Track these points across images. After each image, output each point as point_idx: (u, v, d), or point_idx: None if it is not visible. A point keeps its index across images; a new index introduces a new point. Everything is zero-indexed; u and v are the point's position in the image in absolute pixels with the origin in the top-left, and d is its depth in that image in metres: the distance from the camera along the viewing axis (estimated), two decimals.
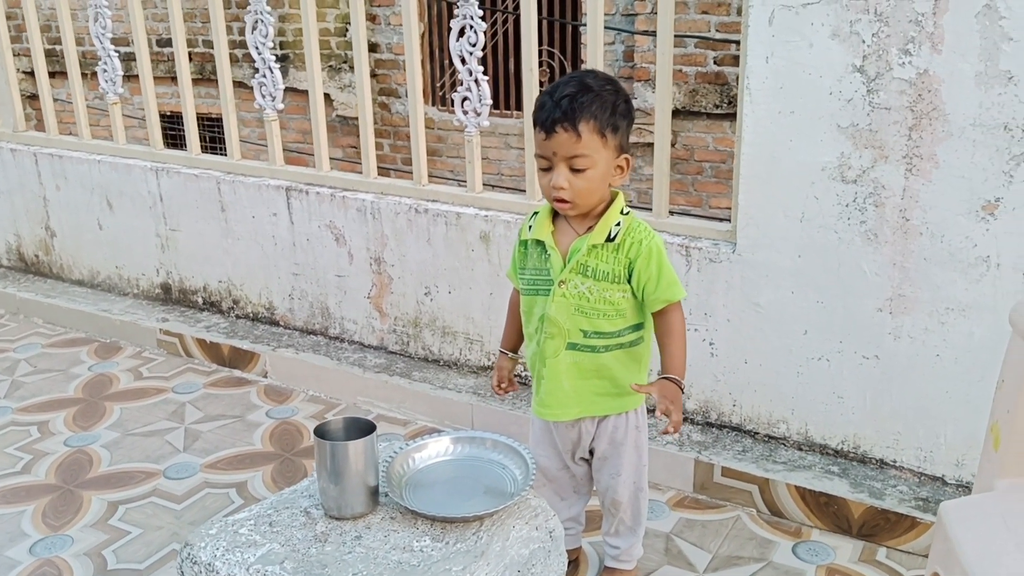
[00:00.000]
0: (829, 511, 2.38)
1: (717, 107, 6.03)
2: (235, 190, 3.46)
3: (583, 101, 1.70)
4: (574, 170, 1.73)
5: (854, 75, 2.24)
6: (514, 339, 2.07)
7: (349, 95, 7.01)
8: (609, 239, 1.80)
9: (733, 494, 2.51)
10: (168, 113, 6.41)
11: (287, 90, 3.44)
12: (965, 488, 2.38)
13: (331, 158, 3.46)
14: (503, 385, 2.05)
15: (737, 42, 5.66)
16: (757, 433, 2.63)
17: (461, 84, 2.90)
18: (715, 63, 6.00)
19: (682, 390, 1.81)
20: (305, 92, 6.24)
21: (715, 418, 2.69)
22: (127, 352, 3.63)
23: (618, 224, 1.81)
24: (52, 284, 4.15)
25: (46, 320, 3.94)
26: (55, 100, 4.22)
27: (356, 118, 6.84)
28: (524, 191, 2.97)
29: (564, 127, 1.70)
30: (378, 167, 3.28)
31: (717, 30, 5.94)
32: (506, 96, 6.79)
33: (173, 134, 6.63)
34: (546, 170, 1.77)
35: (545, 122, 1.72)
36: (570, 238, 1.84)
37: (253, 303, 3.59)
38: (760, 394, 2.59)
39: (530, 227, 1.90)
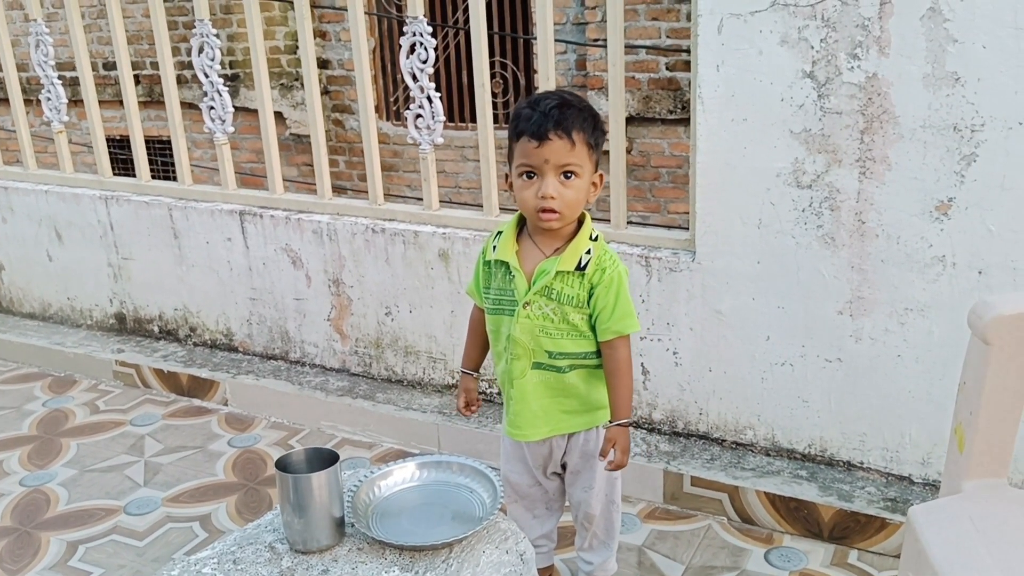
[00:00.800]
0: (799, 516, 2.38)
1: (671, 112, 6.06)
2: (187, 216, 3.40)
3: (570, 113, 1.71)
4: (564, 178, 1.73)
5: (804, 81, 2.25)
6: (476, 358, 2.05)
7: (302, 113, 6.94)
8: (579, 267, 1.79)
9: (703, 503, 2.50)
10: (119, 137, 6.31)
11: (240, 109, 3.40)
12: (932, 486, 2.39)
13: (286, 178, 3.41)
14: (472, 407, 2.03)
15: (688, 48, 5.70)
16: (724, 440, 2.63)
17: (413, 101, 2.88)
18: (667, 69, 6.03)
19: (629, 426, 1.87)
20: (257, 111, 6.16)
21: (682, 427, 2.68)
22: (82, 385, 3.55)
23: (588, 252, 1.80)
24: (2, 319, 4.04)
25: None
26: None
27: (310, 136, 6.80)
28: (482, 206, 2.95)
29: (559, 134, 1.70)
30: (334, 184, 3.25)
31: (667, 36, 5.97)
32: (460, 108, 6.77)
33: (124, 158, 6.53)
34: (530, 176, 1.75)
35: (537, 130, 1.70)
36: (536, 259, 1.83)
37: (211, 330, 3.52)
38: (726, 401, 2.59)
39: (494, 247, 1.87)
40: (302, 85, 6.86)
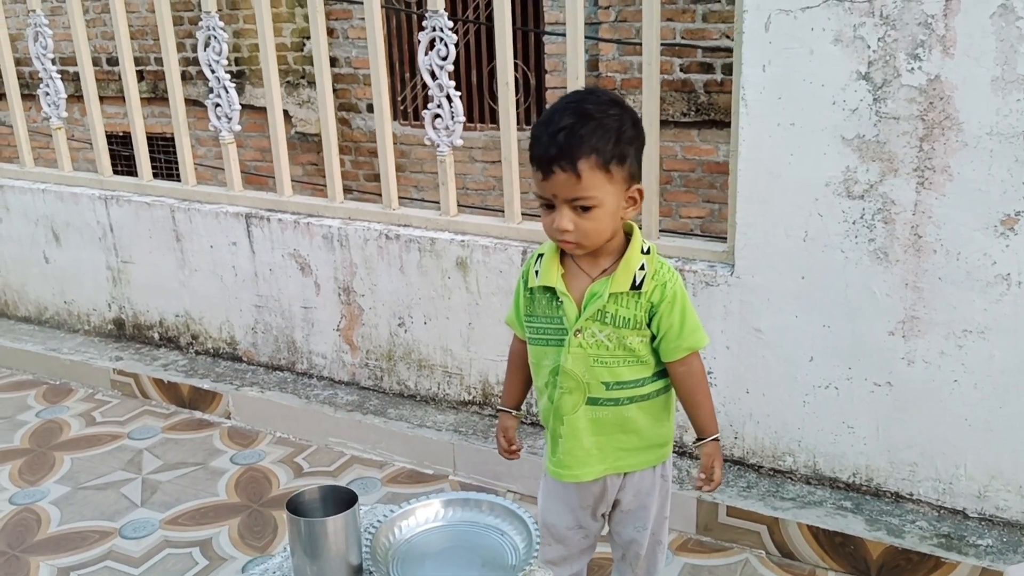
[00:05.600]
0: (845, 551, 2.22)
1: (684, 115, 5.89)
2: (191, 218, 3.23)
3: (582, 134, 1.48)
4: (581, 211, 1.53)
5: (859, 83, 2.08)
6: (518, 395, 1.85)
7: (308, 111, 6.78)
8: (634, 286, 1.61)
9: (740, 535, 2.34)
10: (121, 134, 6.14)
11: (245, 107, 3.23)
12: (989, 522, 2.22)
13: (291, 177, 3.24)
14: (514, 448, 1.84)
15: (704, 48, 5.54)
16: (761, 467, 2.46)
17: (431, 101, 2.71)
18: (681, 70, 5.86)
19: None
20: (263, 109, 6.01)
21: None
22: (78, 395, 3.38)
23: (642, 268, 1.62)
24: None
25: None
26: None
27: (316, 135, 6.62)
28: (501, 211, 2.78)
29: (561, 167, 1.48)
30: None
31: (682, 37, 5.81)
32: (470, 108, 6.60)
33: (128, 155, 6.36)
34: (548, 207, 1.55)
35: (541, 161, 1.50)
36: (584, 282, 1.63)
37: (213, 338, 3.36)
38: (763, 425, 2.42)
39: (536, 272, 1.66)
40: (308, 83, 6.71)
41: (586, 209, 1.52)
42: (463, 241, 2.73)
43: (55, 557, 2.41)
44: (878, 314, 2.21)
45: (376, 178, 6.80)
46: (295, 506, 1.44)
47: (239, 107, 3.10)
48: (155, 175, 3.49)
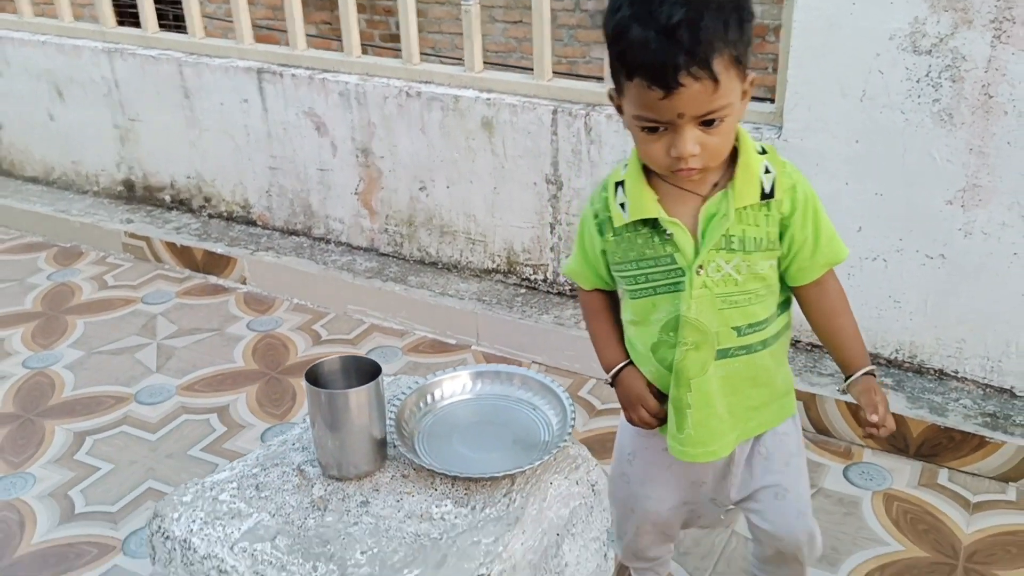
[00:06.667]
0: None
1: None
2: (199, 74, 3.05)
3: (705, 24, 1.10)
4: (706, 126, 1.16)
5: None
6: (622, 345, 1.41)
7: None
8: (764, 195, 1.24)
9: None
10: None
11: None
12: None
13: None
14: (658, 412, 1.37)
15: None
16: (799, 341, 2.36)
17: None
18: None
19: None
20: None
21: None
22: (89, 258, 3.29)
23: (767, 171, 1.25)
24: (2, 182, 3.75)
25: None
26: None
27: None
28: (529, 69, 2.59)
29: (694, 75, 1.10)
30: None
31: None
32: None
33: (135, 10, 6.08)
34: (654, 131, 1.18)
35: (660, 72, 1.11)
36: (692, 202, 1.26)
37: (226, 201, 3.23)
38: None
39: (622, 205, 1.28)
40: None
41: (711, 123, 1.16)
42: (489, 100, 2.55)
43: (70, 421, 2.36)
44: (937, 181, 2.05)
45: (392, 39, 6.52)
46: (315, 377, 1.34)
47: None
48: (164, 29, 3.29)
